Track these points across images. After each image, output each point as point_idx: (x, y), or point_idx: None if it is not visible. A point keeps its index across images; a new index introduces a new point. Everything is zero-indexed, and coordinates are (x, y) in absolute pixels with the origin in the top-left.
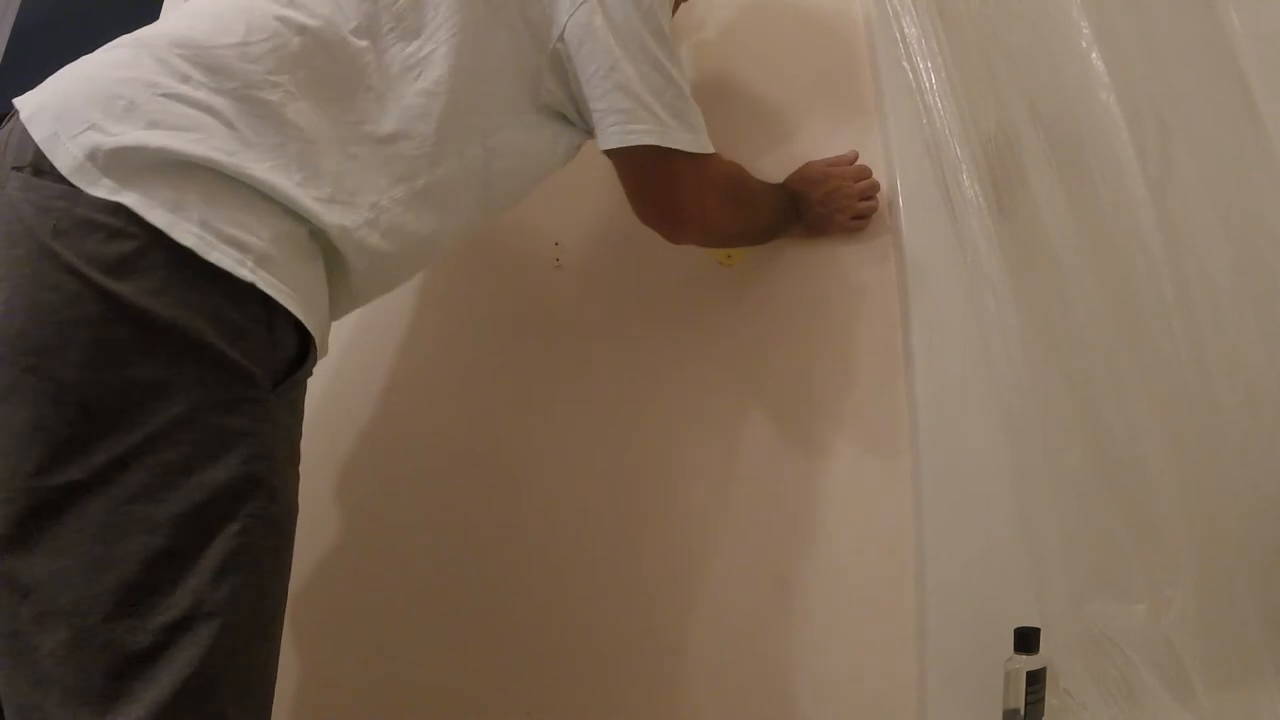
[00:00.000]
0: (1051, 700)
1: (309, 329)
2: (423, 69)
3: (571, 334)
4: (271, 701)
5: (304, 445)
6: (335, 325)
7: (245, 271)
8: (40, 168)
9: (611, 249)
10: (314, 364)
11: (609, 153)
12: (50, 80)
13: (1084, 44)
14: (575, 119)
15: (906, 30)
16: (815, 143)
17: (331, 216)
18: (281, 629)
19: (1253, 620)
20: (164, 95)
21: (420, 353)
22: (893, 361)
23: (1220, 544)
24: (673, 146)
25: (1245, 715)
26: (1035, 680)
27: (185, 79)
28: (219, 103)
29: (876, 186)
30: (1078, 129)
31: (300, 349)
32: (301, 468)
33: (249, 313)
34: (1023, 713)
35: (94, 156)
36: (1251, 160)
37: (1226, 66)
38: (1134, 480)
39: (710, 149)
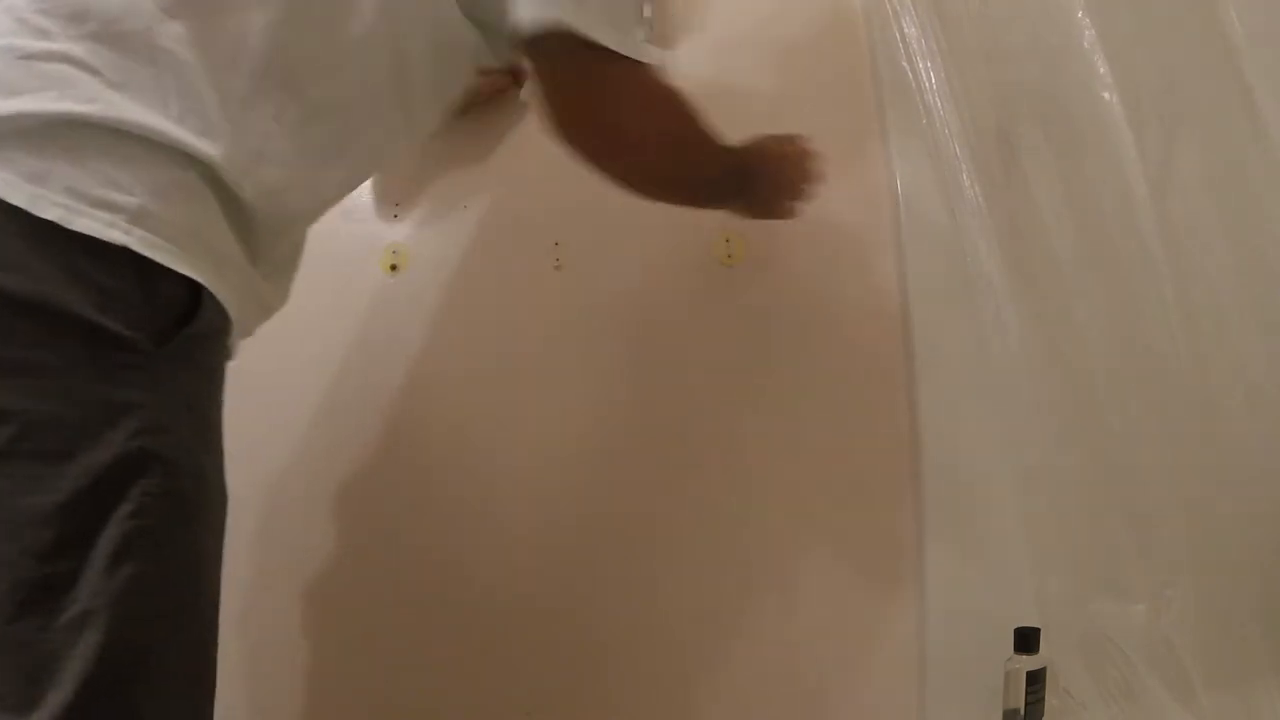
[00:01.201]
0: (1051, 700)
1: (200, 281)
2: None
3: (571, 334)
4: (206, 691)
5: (303, 446)
6: (334, 324)
7: (117, 234)
8: None
9: (611, 249)
10: (220, 316)
11: (528, 44)
12: None
13: (1085, 44)
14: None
15: (906, 30)
16: (815, 142)
17: (218, 148)
18: (211, 613)
19: (1253, 620)
20: (22, 58)
21: (419, 353)
22: (893, 361)
23: (1220, 544)
24: (610, 45)
25: (1245, 715)
26: (1035, 680)
27: (44, 34)
28: (78, 50)
29: (812, 176)
30: (1078, 129)
31: (193, 303)
32: (301, 469)
33: (122, 274)
34: (1023, 713)
35: None
36: (1252, 160)
37: (1227, 66)
38: (1134, 480)
39: (658, 59)
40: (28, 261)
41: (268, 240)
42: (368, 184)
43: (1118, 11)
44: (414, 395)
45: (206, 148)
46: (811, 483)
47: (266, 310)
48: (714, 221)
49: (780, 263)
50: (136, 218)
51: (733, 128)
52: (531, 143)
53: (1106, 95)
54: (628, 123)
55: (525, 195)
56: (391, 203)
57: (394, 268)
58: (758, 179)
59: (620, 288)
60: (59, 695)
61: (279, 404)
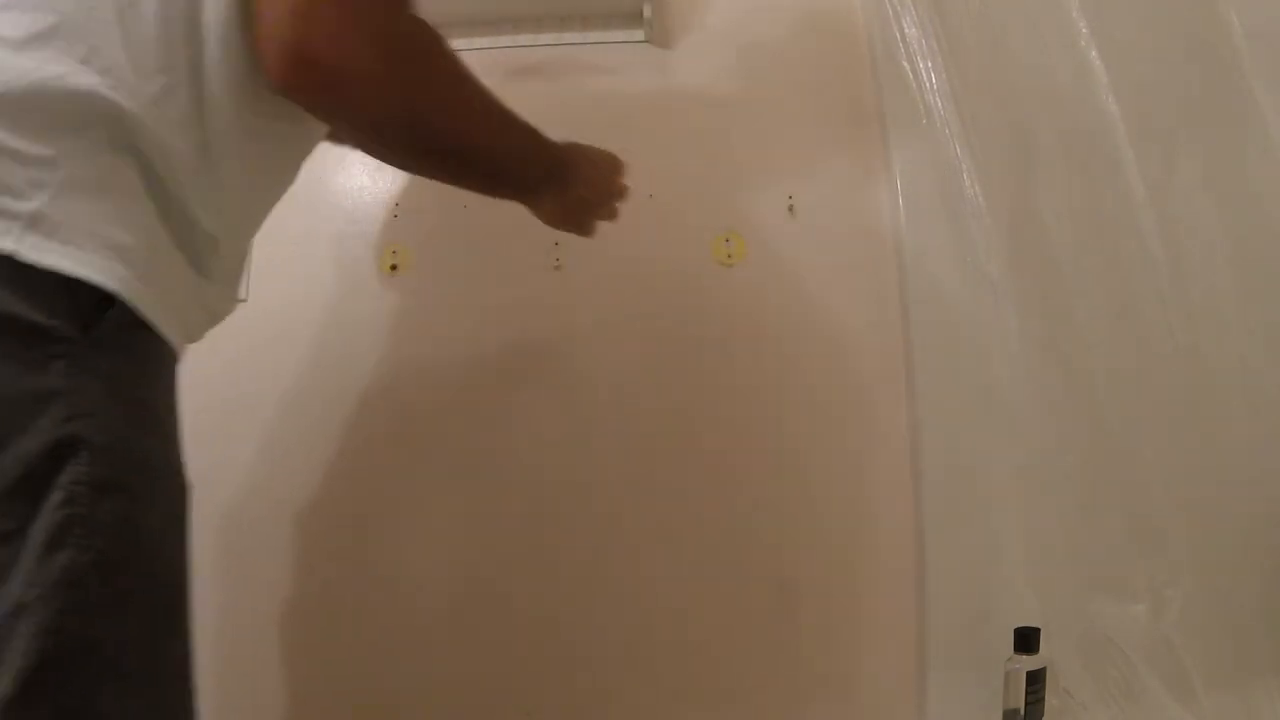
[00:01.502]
0: (1051, 700)
1: (96, 280)
2: None
3: (571, 334)
4: (177, 682)
5: (302, 446)
6: (335, 324)
7: (9, 242)
8: None
9: (611, 249)
10: (144, 301)
11: None
12: None
13: (1083, 44)
14: None
15: (906, 30)
16: (815, 143)
17: (121, 94)
18: (171, 601)
19: (1253, 620)
20: None
21: (419, 353)
22: (893, 361)
23: (1220, 544)
24: None
25: (1245, 715)
26: (1035, 680)
27: None
28: None
29: (614, 216)
30: (1077, 129)
31: (105, 292)
32: (300, 468)
33: (29, 272)
34: (1023, 713)
35: None
36: (1251, 160)
37: (1226, 66)
38: (1134, 480)
39: None
40: None
41: (195, 207)
42: (366, 184)
43: (1117, 11)
44: (414, 395)
45: (108, 93)
46: (811, 482)
47: (208, 309)
48: (714, 221)
49: (780, 263)
50: (32, 222)
51: (732, 127)
52: None
53: (1106, 95)
54: (355, 57)
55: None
56: (392, 203)
57: (394, 268)
58: (574, 180)
59: (620, 288)
60: (2, 691)
61: (279, 403)
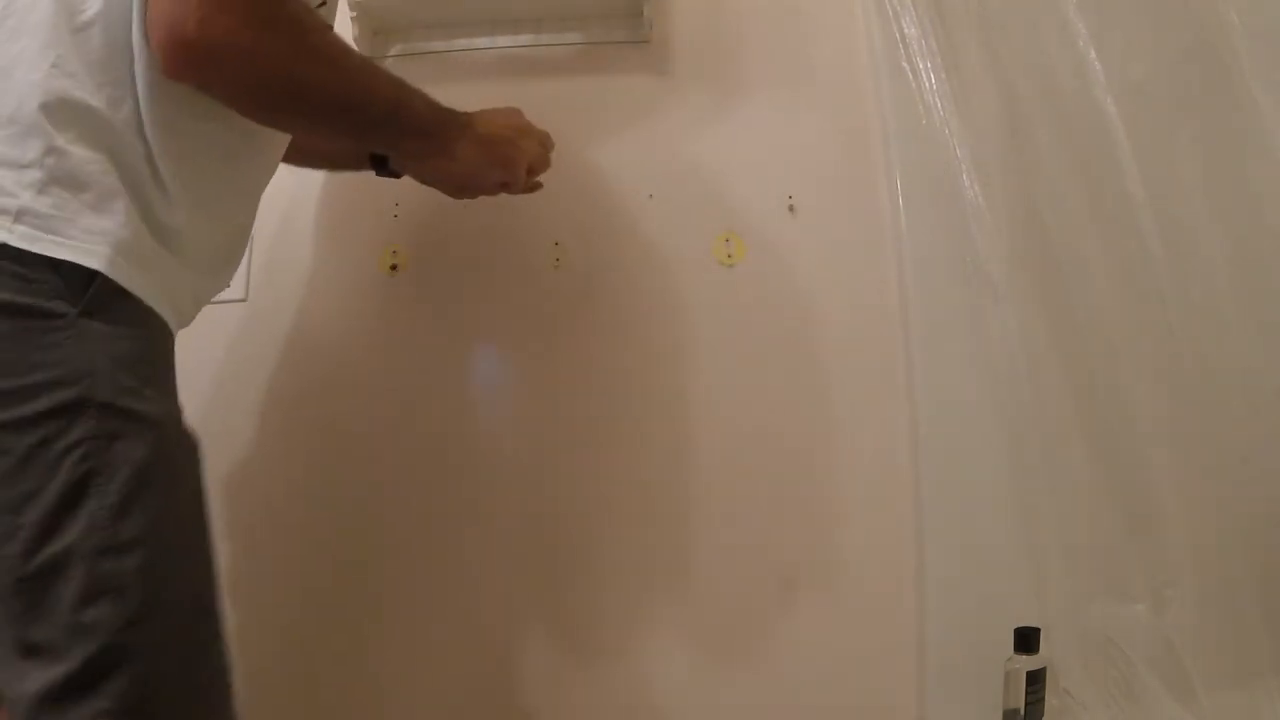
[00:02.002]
0: (1051, 700)
1: (81, 260)
2: None
3: (571, 334)
4: (192, 616)
5: (300, 445)
6: (334, 324)
7: (2, 234)
8: None
9: (611, 249)
10: (127, 277)
11: None
12: None
13: (1082, 43)
14: None
15: (906, 30)
16: (815, 143)
17: (87, 95)
18: (192, 540)
19: (1253, 620)
20: None
21: (419, 352)
22: (893, 361)
23: (1220, 544)
24: None
25: (1245, 715)
26: (1035, 680)
27: None
28: None
29: (546, 164)
30: (1078, 129)
31: (90, 270)
32: (299, 467)
33: (24, 260)
34: (1023, 713)
35: None
36: (1250, 159)
37: (1225, 65)
38: (1134, 480)
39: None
40: None
41: (176, 216)
42: (366, 184)
43: (1116, 11)
44: (414, 395)
45: (89, 99)
46: (811, 482)
47: (195, 290)
48: (714, 221)
49: (780, 263)
50: (20, 216)
51: (732, 127)
52: None
53: (1104, 95)
54: (216, 25)
55: (526, 196)
56: (391, 203)
57: (394, 268)
58: (473, 133)
59: (620, 287)
60: (49, 632)
61: (278, 403)
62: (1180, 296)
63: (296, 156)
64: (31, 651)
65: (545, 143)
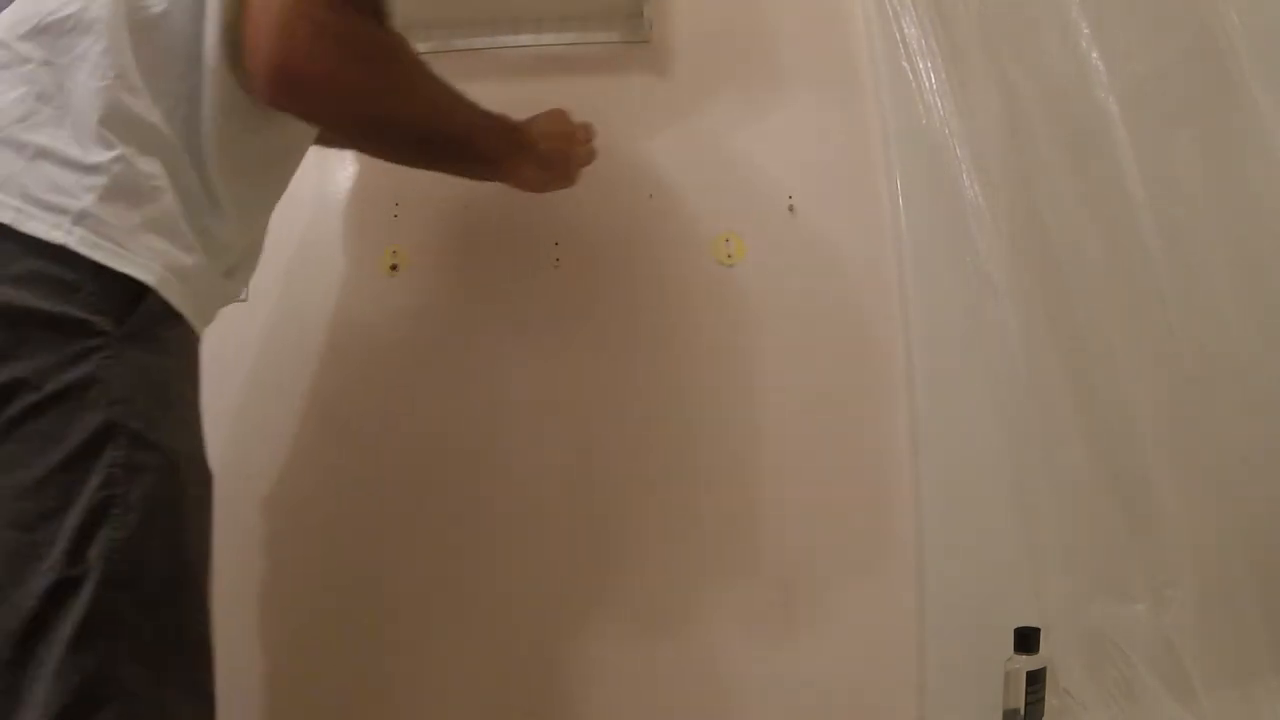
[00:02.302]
0: (1051, 700)
1: (137, 276)
2: None
3: (571, 334)
4: (194, 658)
5: (300, 445)
6: (334, 324)
7: (59, 234)
8: None
9: (611, 249)
10: (177, 296)
11: None
12: None
13: (1083, 43)
14: None
15: (906, 30)
16: (815, 143)
17: (144, 109)
18: (194, 579)
19: (1253, 620)
20: None
21: (419, 352)
22: (893, 361)
23: (1220, 544)
24: None
25: (1245, 715)
26: (1035, 680)
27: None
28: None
29: (593, 156)
30: (1077, 128)
31: (140, 290)
32: (298, 467)
33: (76, 267)
34: (1023, 713)
35: None
36: (1250, 159)
37: (1225, 65)
38: (1134, 480)
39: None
40: None
41: (223, 230)
42: (366, 184)
43: (1116, 11)
44: (414, 394)
45: (145, 113)
46: (811, 482)
47: (225, 299)
48: (714, 221)
49: (780, 263)
50: (79, 219)
51: (732, 127)
52: None
53: (1106, 95)
54: (309, 56)
55: (525, 195)
56: (391, 203)
57: (394, 268)
58: (531, 147)
59: (620, 287)
60: (49, 656)
61: (278, 403)
62: (1180, 296)
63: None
64: (24, 670)
65: (589, 137)
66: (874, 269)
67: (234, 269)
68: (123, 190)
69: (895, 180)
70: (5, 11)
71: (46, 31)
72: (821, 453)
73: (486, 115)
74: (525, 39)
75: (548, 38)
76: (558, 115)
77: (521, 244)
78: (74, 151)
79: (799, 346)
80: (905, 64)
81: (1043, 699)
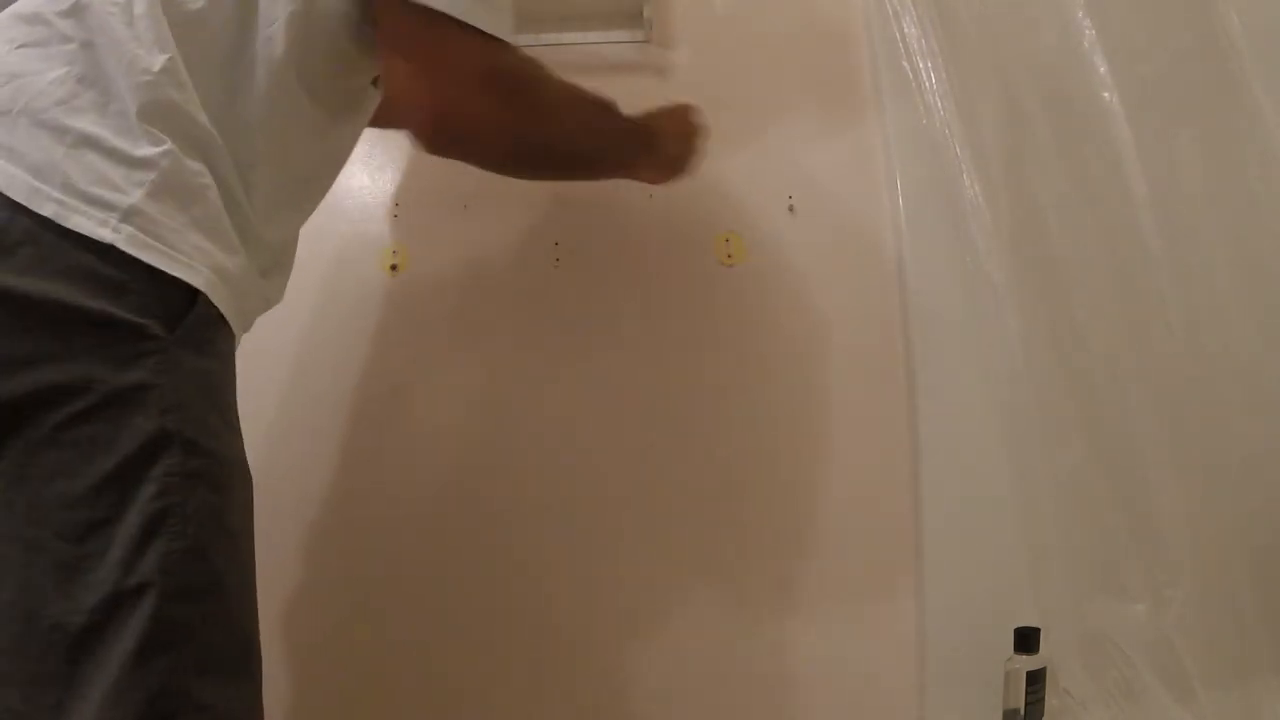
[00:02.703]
0: (1051, 700)
1: (186, 280)
2: None
3: (571, 334)
4: (250, 665)
5: (300, 445)
6: (334, 324)
7: (106, 232)
8: None
9: (611, 249)
10: (224, 300)
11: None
12: None
13: (1084, 44)
14: None
15: (906, 30)
16: (815, 142)
17: (194, 109)
18: (247, 589)
19: (1253, 620)
20: (21, 47)
21: (419, 352)
22: (893, 361)
23: (1220, 544)
24: (457, 16)
25: (1245, 715)
26: (1035, 680)
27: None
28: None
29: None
30: (1078, 128)
31: (191, 292)
32: (297, 468)
33: (127, 267)
34: (1023, 713)
35: None
36: (1251, 159)
37: (1226, 65)
38: (1134, 480)
39: (510, 35)
40: (36, 259)
41: (259, 226)
42: (366, 184)
43: (1117, 11)
44: (413, 395)
45: (196, 113)
46: (811, 483)
47: (266, 303)
48: (714, 221)
49: (780, 263)
50: (127, 216)
51: (732, 127)
52: None
53: (1106, 95)
54: (482, 106)
55: (525, 195)
56: (391, 203)
57: (394, 268)
58: (661, 146)
59: (620, 288)
60: (103, 672)
61: (278, 403)
62: (1180, 296)
63: None
64: (72, 687)
65: (705, 134)
66: (874, 269)
67: (268, 269)
68: (171, 187)
69: (895, 180)
70: None
71: (87, 10)
72: (821, 452)
73: (619, 119)
74: (526, 39)
75: (548, 38)
76: (681, 113)
77: (521, 244)
78: (120, 142)
79: (799, 346)
80: (905, 64)
81: (1043, 699)
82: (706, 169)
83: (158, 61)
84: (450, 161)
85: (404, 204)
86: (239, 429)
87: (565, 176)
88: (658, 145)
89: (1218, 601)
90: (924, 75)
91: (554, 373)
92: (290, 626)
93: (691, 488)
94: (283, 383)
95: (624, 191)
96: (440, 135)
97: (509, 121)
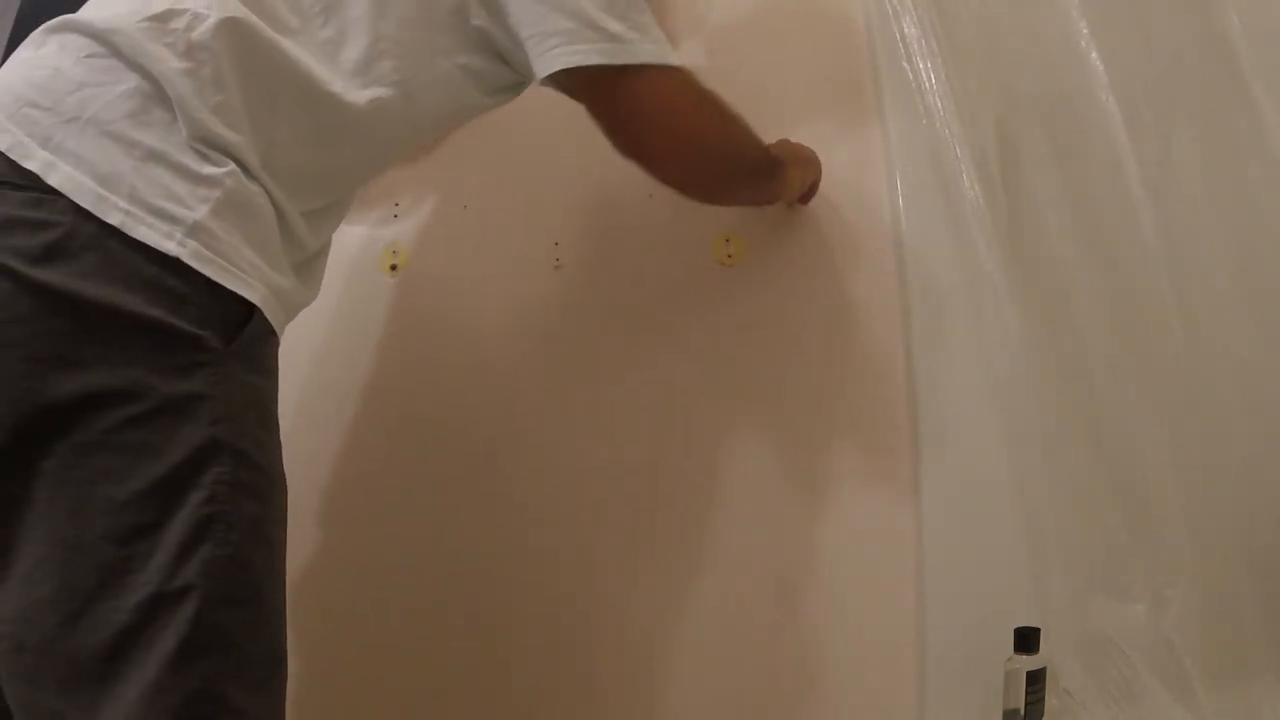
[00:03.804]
0: (1051, 700)
1: (246, 296)
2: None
3: (571, 334)
4: (280, 672)
5: (301, 446)
6: (334, 324)
7: (172, 245)
8: None
9: (611, 249)
10: (274, 316)
11: (557, 82)
12: None
13: (1083, 44)
14: (509, 53)
15: (906, 30)
16: (815, 143)
17: (245, 135)
18: (280, 600)
19: (1253, 620)
20: (89, 57)
21: (419, 352)
22: (893, 361)
23: (1220, 544)
24: (630, 62)
25: (1245, 715)
26: (1035, 680)
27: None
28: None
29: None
30: (1077, 129)
31: (247, 307)
32: (298, 468)
33: (189, 279)
34: (1023, 713)
35: (33, 131)
36: (1250, 159)
37: (1226, 66)
38: (1134, 480)
39: (675, 62)
40: (100, 265)
41: (304, 245)
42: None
43: (1116, 11)
44: (414, 395)
45: (247, 138)
46: (811, 482)
47: (300, 310)
48: (714, 221)
49: (780, 263)
50: (193, 231)
51: None
52: (532, 143)
53: (1105, 95)
54: (686, 121)
55: (525, 195)
56: (391, 202)
57: (394, 268)
58: (792, 173)
59: (620, 288)
60: (140, 671)
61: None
62: (1180, 296)
63: None
64: (108, 685)
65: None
66: (874, 269)
67: (309, 278)
68: (233, 205)
69: (895, 180)
70: None
71: (163, 33)
72: (821, 452)
73: (770, 149)
74: None
75: None
76: (792, 145)
77: (521, 244)
78: (186, 159)
79: (799, 346)
80: (905, 64)
81: (1043, 699)
82: None
83: (219, 91)
84: (450, 161)
85: (404, 204)
86: (280, 443)
87: (732, 199)
88: (789, 176)
89: (1218, 601)
90: (924, 75)
91: (554, 373)
92: (291, 624)
93: (690, 487)
94: (282, 382)
95: (624, 192)
96: (663, 157)
97: (716, 129)
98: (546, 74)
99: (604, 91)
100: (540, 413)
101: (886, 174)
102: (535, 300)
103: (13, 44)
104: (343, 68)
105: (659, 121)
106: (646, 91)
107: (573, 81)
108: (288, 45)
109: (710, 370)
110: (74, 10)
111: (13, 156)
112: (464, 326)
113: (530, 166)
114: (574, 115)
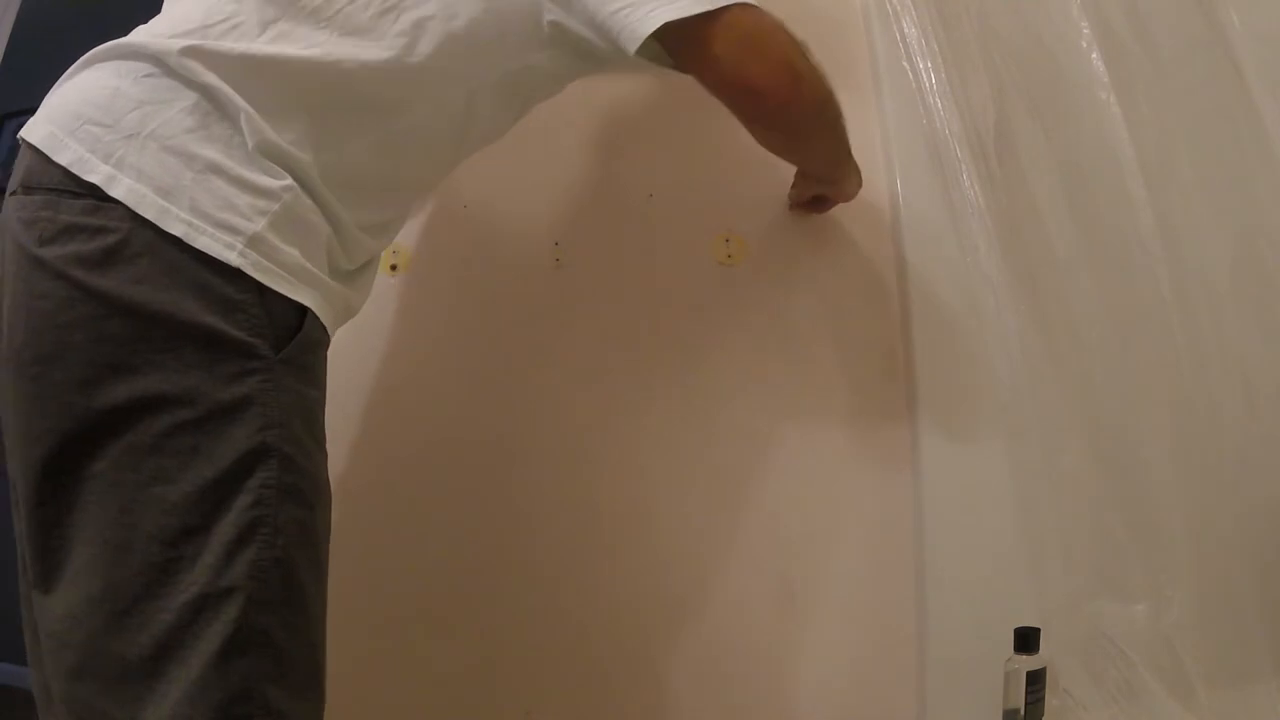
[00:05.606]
0: (1051, 700)
1: (306, 304)
2: (404, 10)
3: (571, 334)
4: (319, 678)
5: None
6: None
7: (234, 255)
8: (29, 185)
9: (611, 249)
10: (322, 328)
11: (649, 50)
12: (44, 101)
13: (1083, 44)
14: (586, 40)
15: (906, 30)
16: None
17: (305, 153)
18: (322, 604)
19: (1253, 620)
20: (148, 76)
21: (419, 352)
22: (893, 362)
23: (1220, 544)
24: (723, 4)
25: (1245, 715)
26: (1035, 680)
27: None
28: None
29: None
30: (1077, 129)
31: (301, 315)
32: None
33: (244, 288)
34: (1023, 713)
35: (94, 147)
36: (1251, 160)
37: (1226, 66)
38: (1134, 480)
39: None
40: (156, 272)
41: (359, 254)
42: None
43: (1115, 11)
44: (414, 395)
45: (306, 155)
46: (811, 482)
47: (349, 313)
48: (714, 221)
49: (780, 263)
50: (252, 242)
51: (733, 128)
52: (532, 143)
53: (1105, 95)
54: (782, 54)
55: (525, 195)
56: None
57: (394, 268)
58: (853, 163)
59: (620, 288)
60: (185, 671)
61: None
62: (1180, 296)
63: None
64: (150, 682)
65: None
66: (874, 268)
67: (359, 285)
68: (291, 218)
69: (895, 180)
70: (188, 6)
71: (218, 50)
72: (821, 453)
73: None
74: None
75: None
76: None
77: (521, 244)
78: (246, 172)
79: (799, 346)
80: (905, 64)
81: (1043, 699)
82: (706, 169)
83: (281, 109)
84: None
85: None
86: (325, 448)
87: (816, 158)
88: (852, 185)
89: (1218, 601)
90: (924, 75)
91: (554, 373)
92: None
93: (690, 486)
94: None
95: (624, 191)
96: (769, 91)
97: (809, 67)
98: (650, 33)
99: (704, 36)
100: (540, 412)
101: (886, 173)
102: (535, 300)
103: (13, 44)
104: (409, 70)
105: (757, 47)
106: (740, 23)
107: (671, 38)
108: (351, 52)
109: (710, 370)
110: (74, 11)
111: (75, 171)
112: (464, 326)
113: (530, 166)
114: (574, 115)
